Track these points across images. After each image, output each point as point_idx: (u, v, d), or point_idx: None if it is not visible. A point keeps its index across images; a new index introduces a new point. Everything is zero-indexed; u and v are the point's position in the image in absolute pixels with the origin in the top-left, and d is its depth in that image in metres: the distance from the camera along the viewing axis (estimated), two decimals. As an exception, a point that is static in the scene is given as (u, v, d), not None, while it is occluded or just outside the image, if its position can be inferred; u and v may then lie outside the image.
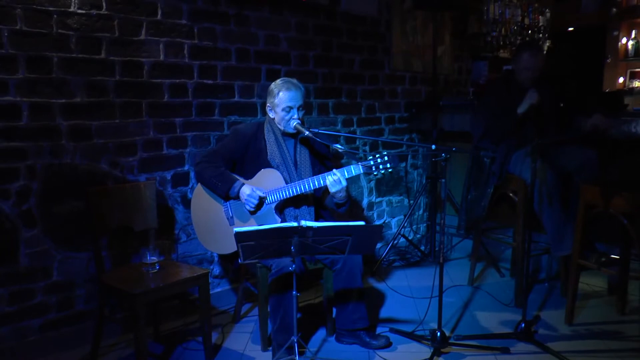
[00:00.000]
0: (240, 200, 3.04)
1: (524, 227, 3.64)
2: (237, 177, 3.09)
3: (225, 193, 3.06)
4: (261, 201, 3.02)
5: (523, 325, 3.17)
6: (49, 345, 3.07)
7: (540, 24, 5.83)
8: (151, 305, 3.21)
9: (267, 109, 3.21)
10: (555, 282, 4.09)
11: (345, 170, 2.96)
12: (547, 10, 5.94)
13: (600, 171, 3.49)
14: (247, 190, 3.00)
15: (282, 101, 3.10)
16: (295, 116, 3.10)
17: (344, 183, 2.94)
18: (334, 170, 2.95)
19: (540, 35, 5.80)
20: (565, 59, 6.67)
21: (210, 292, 3.19)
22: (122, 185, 3.16)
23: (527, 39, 5.60)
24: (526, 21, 5.68)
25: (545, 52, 5.80)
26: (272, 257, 2.77)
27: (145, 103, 3.29)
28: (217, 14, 3.57)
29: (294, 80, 3.16)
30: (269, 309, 2.99)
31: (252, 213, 3.07)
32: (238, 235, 2.49)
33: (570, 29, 7.03)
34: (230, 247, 3.01)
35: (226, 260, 3.57)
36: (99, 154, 3.13)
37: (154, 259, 2.95)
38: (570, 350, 3.07)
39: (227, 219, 3.13)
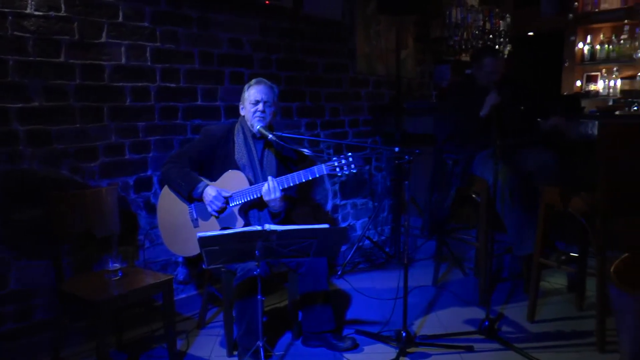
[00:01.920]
0: (204, 202, 3.02)
1: (487, 227, 3.70)
2: (202, 178, 3.07)
3: (189, 193, 3.04)
4: (226, 204, 3.01)
5: (487, 323, 3.24)
6: (6, 357, 2.98)
7: (501, 28, 5.94)
8: (114, 313, 3.15)
9: (240, 107, 3.22)
10: (517, 281, 4.17)
11: (309, 172, 2.97)
12: (507, 15, 6.06)
13: (559, 172, 3.58)
14: (212, 192, 2.98)
15: (251, 95, 3.13)
16: (261, 108, 3.10)
17: (278, 194, 2.95)
18: (270, 178, 2.96)
19: (501, 39, 5.91)
20: (525, 63, 6.82)
21: (175, 298, 3.16)
22: (83, 191, 3.10)
23: (489, 43, 5.70)
24: (487, 26, 5.78)
25: (506, 56, 5.91)
26: (237, 262, 2.76)
27: (107, 107, 3.23)
28: (180, 16, 3.54)
29: (267, 81, 3.19)
30: (234, 314, 2.97)
31: (215, 217, 3.05)
32: (202, 240, 2.47)
33: (530, 33, 7.18)
34: (195, 249, 2.98)
35: (191, 264, 3.54)
36: (59, 160, 3.06)
37: (117, 265, 2.90)
38: (533, 347, 3.14)
39: (192, 221, 3.10)
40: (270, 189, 2.94)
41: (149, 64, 3.40)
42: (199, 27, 3.65)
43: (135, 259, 3.46)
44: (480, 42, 5.67)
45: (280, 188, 2.96)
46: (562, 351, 3.13)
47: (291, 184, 2.99)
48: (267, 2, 4.01)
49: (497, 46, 5.80)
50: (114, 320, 3.17)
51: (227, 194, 3.00)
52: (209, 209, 3.02)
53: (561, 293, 4.00)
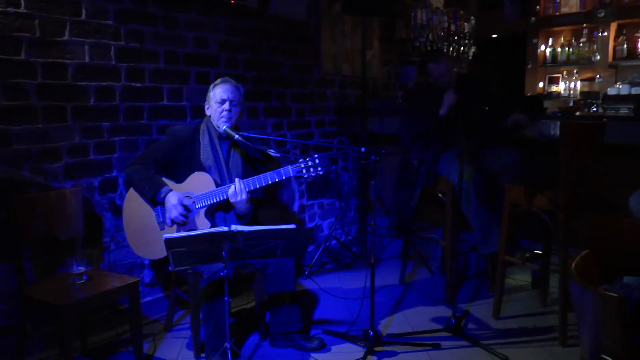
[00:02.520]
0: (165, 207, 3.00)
1: (453, 226, 3.75)
2: (166, 182, 3.04)
3: (152, 197, 3.01)
4: (186, 213, 2.99)
5: (453, 320, 3.28)
6: (-34, 364, 2.91)
7: (466, 30, 6.02)
8: (79, 318, 3.09)
9: (205, 107, 3.20)
10: (483, 278, 4.24)
11: (275, 173, 2.97)
12: (472, 18, 6.15)
13: (523, 172, 3.65)
14: (174, 199, 2.96)
15: (216, 94, 3.12)
16: (227, 107, 3.09)
17: (244, 196, 2.95)
18: (237, 179, 2.96)
19: (466, 41, 6.00)
20: (489, 65, 6.93)
21: (142, 301, 3.12)
22: (46, 192, 3.03)
23: (454, 45, 5.78)
24: (452, 28, 5.86)
25: (471, 58, 6.01)
26: (204, 263, 2.74)
27: (70, 107, 3.17)
28: (145, 15, 3.49)
29: (233, 80, 3.18)
30: (201, 316, 2.96)
31: (179, 223, 3.02)
32: (168, 241, 2.45)
33: (494, 36, 7.31)
34: (161, 252, 2.94)
35: (158, 266, 3.50)
36: (21, 161, 2.99)
37: (82, 269, 2.85)
38: (498, 342, 3.21)
39: (158, 223, 3.07)
40: (237, 190, 2.93)
41: (113, 62, 3.35)
42: (165, 26, 3.61)
43: (100, 262, 3.40)
44: (445, 43, 5.74)
45: (247, 190, 2.96)
46: (526, 346, 3.20)
47: (258, 186, 2.98)
48: (232, 1, 3.99)
49: (461, 48, 5.89)
50: (79, 324, 3.12)
51: (189, 203, 2.98)
52: (169, 214, 2.99)
53: (525, 290, 4.09)
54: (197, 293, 3.01)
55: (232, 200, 2.96)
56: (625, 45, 6.15)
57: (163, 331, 3.44)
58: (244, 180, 2.98)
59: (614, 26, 6.20)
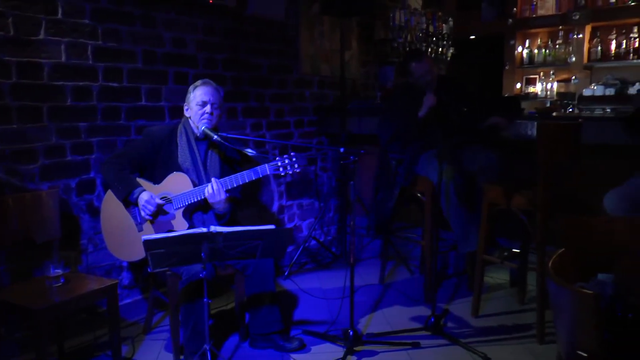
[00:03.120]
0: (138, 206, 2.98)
1: (432, 226, 3.78)
2: (140, 183, 3.01)
3: (125, 198, 2.98)
4: (159, 209, 2.96)
5: (433, 319, 3.31)
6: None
7: (444, 31, 6.08)
8: (55, 321, 3.05)
9: (184, 108, 3.17)
10: (462, 277, 4.28)
11: (252, 172, 2.97)
12: (450, 19, 6.21)
13: (502, 171, 3.70)
14: (145, 196, 2.94)
15: (197, 96, 3.10)
16: (208, 109, 3.07)
17: (222, 195, 2.94)
18: (214, 179, 2.95)
19: (444, 42, 6.05)
20: (467, 66, 7.00)
21: (120, 304, 3.09)
22: (22, 194, 2.99)
23: (432, 45, 5.82)
24: (431, 29, 5.91)
25: (449, 58, 6.06)
26: (183, 264, 2.73)
27: (46, 107, 3.13)
28: (122, 14, 3.46)
29: (213, 82, 3.17)
30: (180, 318, 2.94)
31: (151, 222, 3.00)
32: (147, 243, 2.43)
33: (472, 37, 7.38)
34: (140, 254, 2.92)
35: (136, 268, 3.47)
36: (-5, 162, 2.95)
37: (59, 271, 2.81)
38: (477, 341, 3.24)
39: (136, 225, 3.04)
40: (214, 190, 2.92)
41: (90, 62, 3.31)
42: (142, 26, 3.58)
43: (78, 264, 3.36)
44: (424, 44, 5.79)
45: (224, 189, 2.95)
46: (505, 344, 3.23)
47: (235, 185, 2.98)
48: (210, 1, 3.97)
49: (440, 49, 5.93)
50: (55, 328, 3.07)
51: (160, 201, 2.96)
52: (142, 213, 2.97)
53: (504, 288, 4.13)
54: (176, 295, 2.99)
55: (210, 200, 2.95)
56: (599, 47, 6.26)
57: (142, 334, 3.41)
58: (221, 179, 2.97)
59: (588, 28, 6.31)
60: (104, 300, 2.90)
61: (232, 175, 2.98)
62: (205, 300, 2.65)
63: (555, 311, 1.88)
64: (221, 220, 3.11)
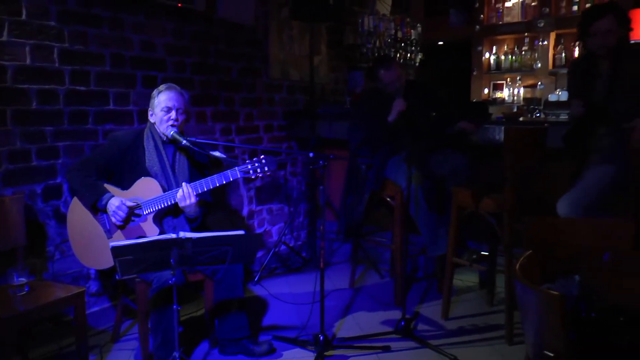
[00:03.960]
0: (108, 213, 2.93)
1: (401, 229, 3.81)
2: (108, 189, 2.97)
3: (93, 204, 2.94)
4: (130, 215, 2.93)
5: (403, 322, 3.33)
6: None
7: (412, 37, 6.14)
8: (19, 331, 2.97)
9: (149, 113, 3.13)
10: (432, 280, 4.32)
11: (222, 176, 2.95)
12: (418, 25, 6.28)
13: (470, 175, 3.75)
14: (116, 202, 2.90)
15: (162, 102, 3.05)
16: (174, 116, 3.04)
17: (193, 199, 2.92)
18: (184, 183, 2.93)
19: (413, 48, 6.11)
20: (436, 71, 7.09)
21: (88, 311, 3.04)
22: (-16, 200, 2.92)
23: (401, 51, 5.87)
24: (399, 34, 5.97)
25: (417, 64, 6.12)
26: (152, 271, 2.70)
27: (10, 110, 3.06)
28: (90, 16, 3.41)
29: (177, 86, 3.12)
30: (149, 325, 2.90)
31: (121, 227, 2.96)
32: (115, 249, 2.39)
33: (440, 43, 7.47)
34: (108, 261, 2.87)
35: (104, 276, 3.41)
36: (-44, 167, 2.88)
37: (23, 279, 2.75)
38: (447, 343, 3.28)
39: (105, 231, 3.00)
40: (185, 194, 2.90)
41: (56, 65, 3.26)
42: (110, 28, 3.53)
43: (44, 272, 3.28)
44: (393, 50, 5.84)
45: (195, 193, 2.93)
46: (474, 345, 3.28)
47: (205, 189, 2.95)
48: (179, 4, 3.94)
49: (408, 54, 5.99)
50: (20, 338, 3.00)
51: (131, 204, 2.92)
52: (113, 219, 2.92)
53: (473, 290, 4.19)
54: (145, 302, 2.96)
55: (180, 204, 2.92)
56: (563, 54, 6.40)
57: (110, 342, 3.36)
58: (192, 183, 2.94)
59: (553, 36, 6.45)
60: (70, 308, 2.85)
61: (203, 179, 2.96)
62: (175, 306, 2.62)
63: (523, 312, 1.92)
64: (192, 223, 3.09)
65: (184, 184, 2.92)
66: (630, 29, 3.20)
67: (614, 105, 3.10)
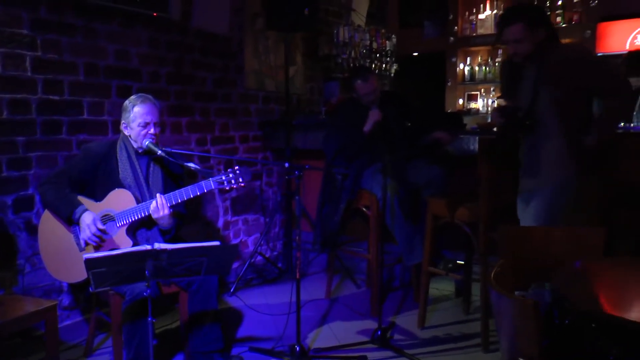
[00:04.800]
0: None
1: (377, 239, 3.82)
2: (84, 201, 2.92)
3: (68, 217, 2.89)
4: (101, 232, 2.88)
5: (379, 332, 3.33)
6: None
7: (387, 48, 6.20)
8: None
9: (122, 126, 3.08)
10: (408, 289, 4.33)
11: (197, 187, 2.93)
12: (393, 36, 6.34)
13: (445, 185, 3.78)
14: (88, 219, 2.85)
15: (138, 116, 3.00)
16: (152, 131, 3.01)
17: (167, 211, 2.89)
18: (158, 195, 2.91)
19: (388, 59, 6.16)
20: (411, 82, 7.15)
21: (60, 325, 2.99)
22: (-47, 211, 2.86)
23: (376, 62, 5.92)
24: (374, 45, 6.01)
25: (392, 75, 6.17)
26: (126, 283, 2.65)
27: (-20, 121, 3.01)
28: (63, 25, 3.37)
29: (150, 96, 3.08)
30: (123, 338, 2.85)
31: (94, 246, 2.91)
32: (88, 262, 2.35)
33: (415, 54, 7.54)
34: (81, 274, 2.82)
35: (77, 289, 3.35)
36: None
37: (-9, 293, 2.69)
38: (423, 352, 3.29)
39: (77, 244, 2.95)
40: (159, 205, 2.87)
41: (29, 74, 3.21)
42: (84, 37, 3.50)
43: (14, 286, 3.21)
44: (368, 60, 5.88)
45: (169, 204, 2.90)
46: (451, 354, 3.30)
47: (180, 200, 2.93)
48: (154, 14, 3.92)
49: (383, 65, 6.03)
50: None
51: (101, 226, 2.88)
52: (82, 235, 2.88)
53: (449, 299, 4.21)
54: (119, 315, 2.91)
55: (154, 216, 2.89)
56: (535, 66, 6.50)
57: (83, 356, 3.29)
58: (166, 195, 2.92)
59: (524, 47, 6.53)
60: (42, 322, 2.78)
61: (177, 191, 2.94)
62: (149, 319, 2.58)
63: (498, 320, 1.94)
64: (166, 235, 3.06)
65: (157, 195, 2.90)
66: (551, 30, 2.94)
67: (537, 112, 2.89)
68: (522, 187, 3.04)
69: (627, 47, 5.76)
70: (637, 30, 5.79)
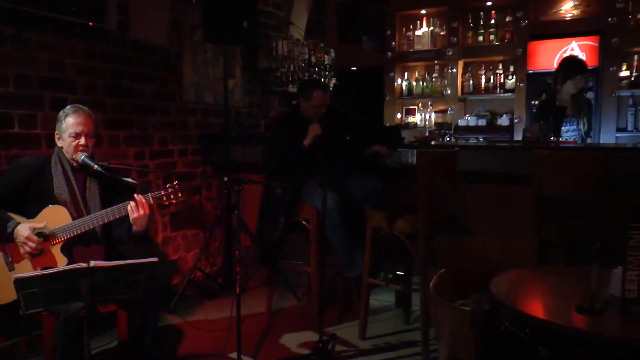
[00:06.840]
0: (16, 242, 2.77)
1: (318, 252, 3.83)
2: (12, 217, 2.80)
3: None
4: (42, 243, 2.77)
5: (320, 344, 3.32)
6: None
7: (326, 62, 6.25)
8: None
9: (56, 137, 2.97)
10: (349, 301, 4.34)
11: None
12: (332, 50, 6.41)
13: (384, 197, 3.84)
14: (25, 231, 2.73)
15: (69, 126, 2.89)
16: (83, 142, 2.91)
17: (147, 210, 2.84)
18: (137, 196, 2.84)
19: (327, 73, 6.22)
20: (349, 96, 7.23)
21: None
22: None
23: (315, 76, 5.96)
24: (313, 59, 6.06)
25: (331, 89, 6.23)
26: (60, 303, 2.56)
27: None
28: (-9, 34, 3.25)
29: (84, 107, 2.98)
30: (56, 361, 2.74)
31: (31, 258, 2.80)
32: (18, 282, 2.25)
33: (354, 68, 7.64)
34: (11, 295, 2.68)
35: (5, 310, 3.19)
36: None
37: None
38: (365, 363, 3.30)
39: (6, 264, 2.81)
40: (138, 203, 2.81)
41: (-47, 85, 3.07)
42: (14, 47, 3.38)
43: None
44: (307, 74, 5.91)
45: (107, 221, 2.82)
46: (391, 363, 3.33)
47: (117, 216, 2.85)
48: (90, 23, 3.83)
49: (322, 79, 6.08)
50: None
51: (43, 231, 2.77)
52: (22, 250, 2.76)
53: (390, 309, 4.26)
54: (51, 337, 2.79)
55: (132, 216, 2.81)
56: (471, 81, 6.74)
57: (12, 381, 3.15)
58: (103, 211, 2.83)
59: (461, 64, 6.77)
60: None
61: (115, 207, 2.86)
62: (84, 340, 2.49)
63: (438, 328, 1.97)
64: (140, 241, 2.99)
65: (135, 195, 2.82)
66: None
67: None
68: None
69: (555, 65, 6.05)
70: (563, 49, 6.09)
